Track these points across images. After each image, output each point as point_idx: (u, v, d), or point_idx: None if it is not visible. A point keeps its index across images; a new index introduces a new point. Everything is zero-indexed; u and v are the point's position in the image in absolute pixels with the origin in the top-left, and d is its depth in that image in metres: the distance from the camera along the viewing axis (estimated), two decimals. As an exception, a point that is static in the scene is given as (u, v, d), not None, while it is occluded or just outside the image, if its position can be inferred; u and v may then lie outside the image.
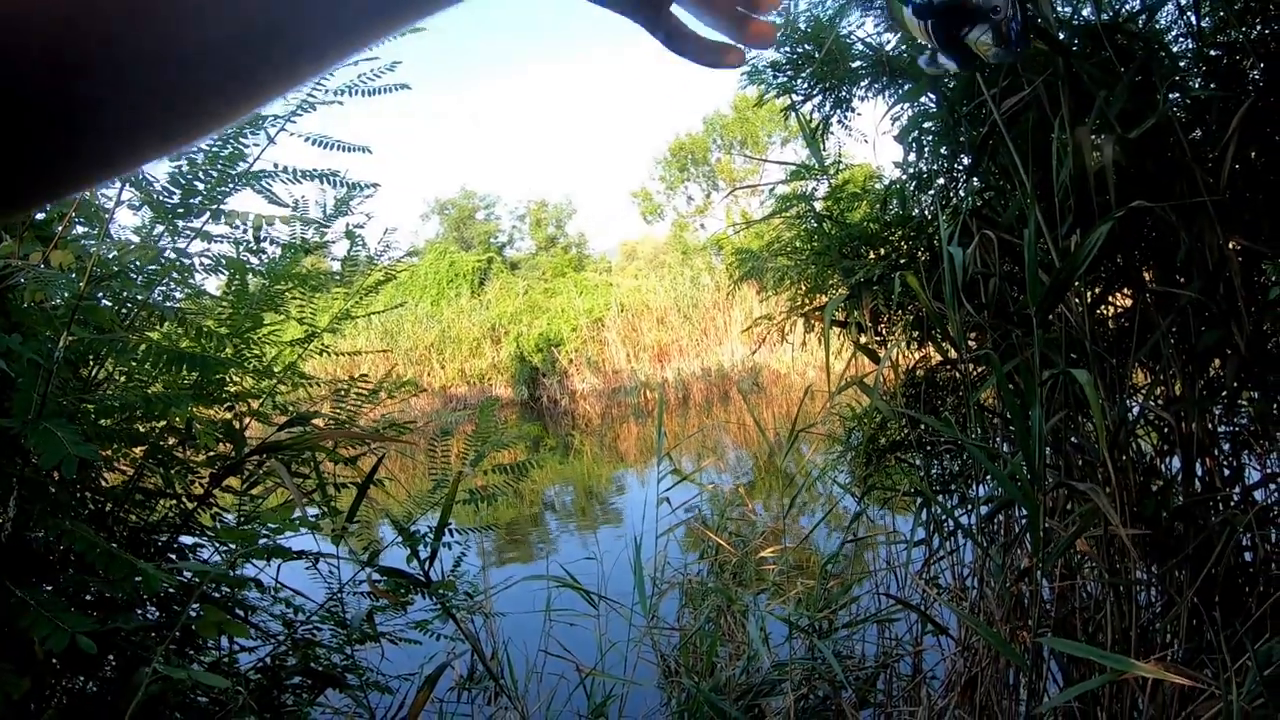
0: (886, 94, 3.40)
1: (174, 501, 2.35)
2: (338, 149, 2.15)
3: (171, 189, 1.98)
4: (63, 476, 1.41)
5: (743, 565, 4.16)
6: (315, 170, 2.07)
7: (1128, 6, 2.74)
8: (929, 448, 3.43)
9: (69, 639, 1.34)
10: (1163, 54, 2.49)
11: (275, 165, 2.06)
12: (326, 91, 1.99)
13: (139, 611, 2.06)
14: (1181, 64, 2.60)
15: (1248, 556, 2.53)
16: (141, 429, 2.21)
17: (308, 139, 2.08)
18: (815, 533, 5.09)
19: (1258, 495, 2.57)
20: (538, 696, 3.19)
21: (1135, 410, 2.66)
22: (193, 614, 1.71)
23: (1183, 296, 2.33)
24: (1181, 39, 2.79)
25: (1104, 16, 2.52)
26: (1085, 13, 2.68)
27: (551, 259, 28.38)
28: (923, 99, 3.18)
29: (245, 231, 2.15)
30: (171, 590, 1.87)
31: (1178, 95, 2.55)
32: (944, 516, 3.24)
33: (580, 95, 77.91)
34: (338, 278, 2.63)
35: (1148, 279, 2.58)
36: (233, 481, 2.41)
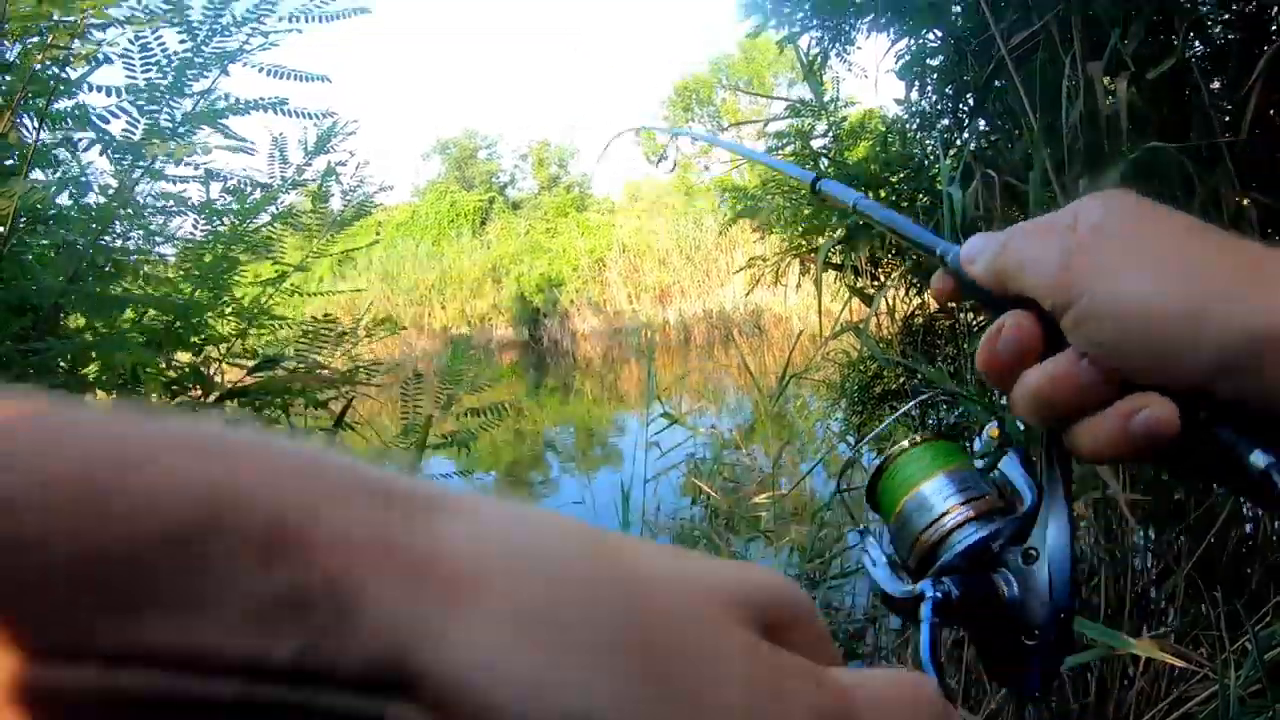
0: (890, 30, 3.27)
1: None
2: (293, 78, 2.04)
3: (131, 128, 1.88)
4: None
5: (734, 511, 4.11)
6: (261, 100, 1.95)
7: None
8: (925, 397, 3.36)
9: None
10: (1186, 3, 2.36)
11: (225, 97, 1.95)
12: (280, 19, 1.87)
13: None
14: (1203, 8, 2.47)
15: (1249, 528, 2.46)
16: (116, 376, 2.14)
17: (261, 69, 1.97)
18: (812, 478, 5.05)
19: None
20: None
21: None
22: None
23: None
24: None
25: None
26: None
27: (554, 199, 28.12)
28: (927, 34, 3.05)
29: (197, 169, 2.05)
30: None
31: (1196, 40, 2.43)
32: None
33: (587, 31, 76.65)
34: (314, 213, 2.54)
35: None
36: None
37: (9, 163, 1.66)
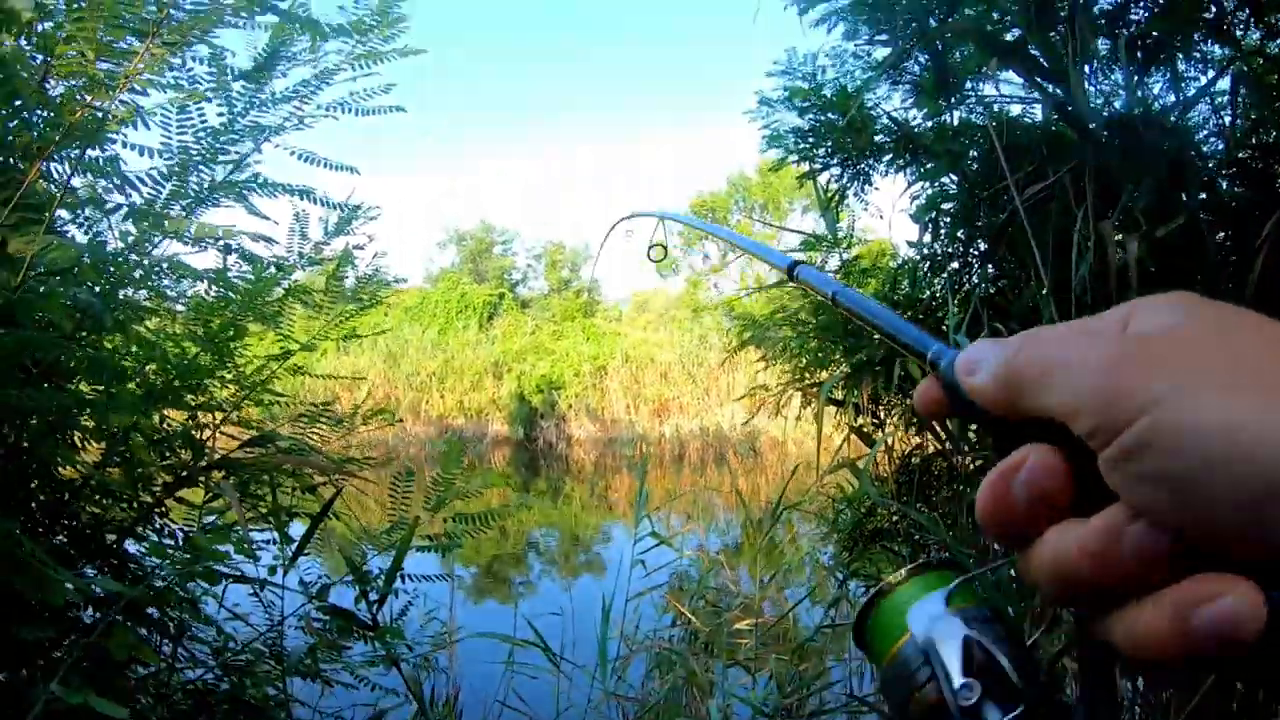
0: (907, 171, 3.34)
1: (126, 504, 2.25)
2: (325, 166, 2.09)
3: (159, 186, 1.92)
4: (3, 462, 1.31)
5: (715, 635, 4.03)
6: (291, 185, 2.00)
7: (1160, 102, 2.69)
8: (917, 538, 3.31)
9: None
10: (1193, 152, 2.42)
11: (256, 176, 1.99)
12: (318, 106, 1.93)
13: (70, 616, 1.95)
14: (1211, 164, 2.53)
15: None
16: (103, 427, 2.13)
17: (293, 153, 2.02)
18: (793, 609, 4.96)
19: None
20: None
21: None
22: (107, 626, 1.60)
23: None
24: (1213, 139, 2.73)
25: (1136, 110, 2.45)
26: (1117, 104, 2.62)
27: (563, 301, 28.38)
28: (943, 179, 3.12)
29: (215, 244, 2.08)
30: (100, 595, 1.76)
31: (1205, 196, 2.48)
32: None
33: (610, 140, 78.73)
34: (327, 294, 2.56)
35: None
36: (195, 494, 2.31)
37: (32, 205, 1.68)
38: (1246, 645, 0.30)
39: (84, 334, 1.82)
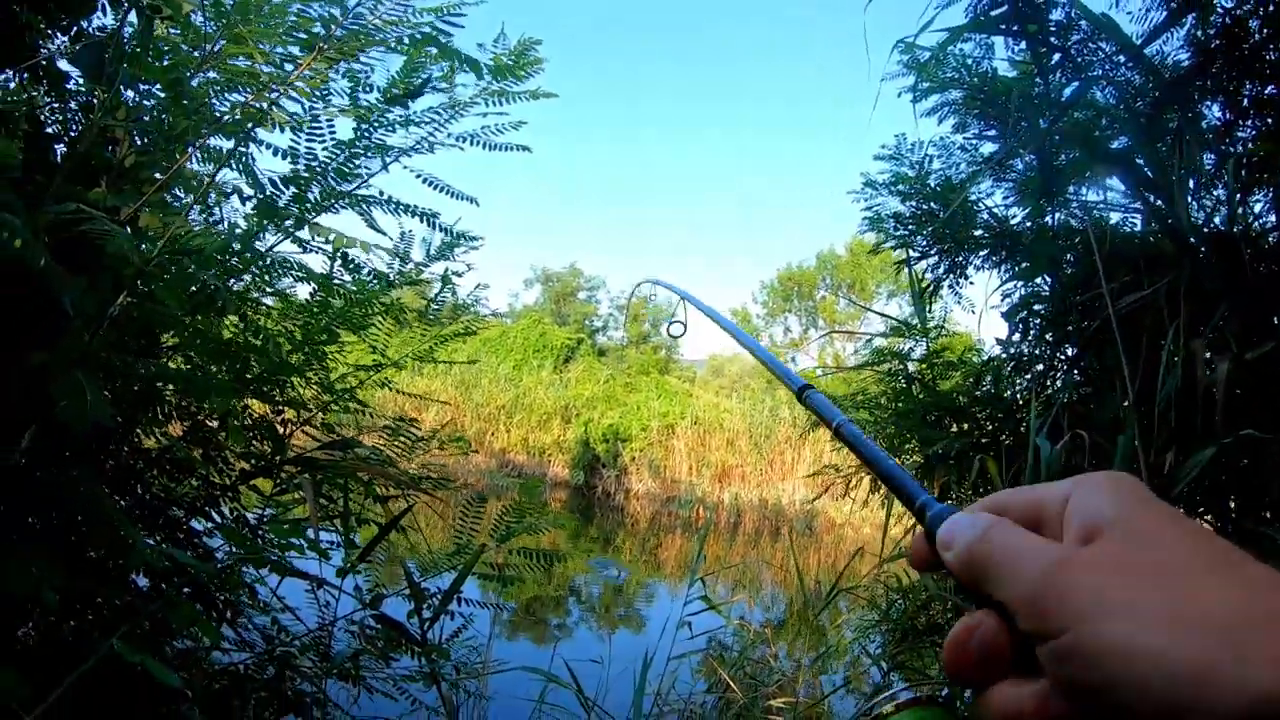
0: (1002, 269, 3.34)
1: (200, 483, 2.33)
2: (447, 193, 2.18)
3: (281, 190, 2.02)
4: (92, 428, 1.39)
5: (749, 709, 3.97)
6: (416, 207, 2.09)
7: (1261, 223, 2.65)
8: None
9: (31, 585, 1.30)
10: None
11: (380, 193, 2.08)
12: (449, 135, 2.02)
13: (132, 583, 2.03)
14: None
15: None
16: (190, 406, 2.22)
17: (419, 176, 2.11)
18: (831, 695, 4.87)
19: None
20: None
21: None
22: (171, 601, 1.66)
23: (1266, 537, 2.17)
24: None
25: (1237, 228, 2.43)
26: (1218, 221, 2.60)
27: (640, 355, 28.53)
28: (1038, 280, 3.11)
29: (329, 245, 2.17)
30: (168, 568, 1.84)
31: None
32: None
33: (707, 201, 79.57)
34: (425, 316, 2.64)
35: (1232, 507, 2.42)
36: (265, 484, 2.39)
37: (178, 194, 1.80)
38: None
39: (196, 315, 1.91)
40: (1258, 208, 2.71)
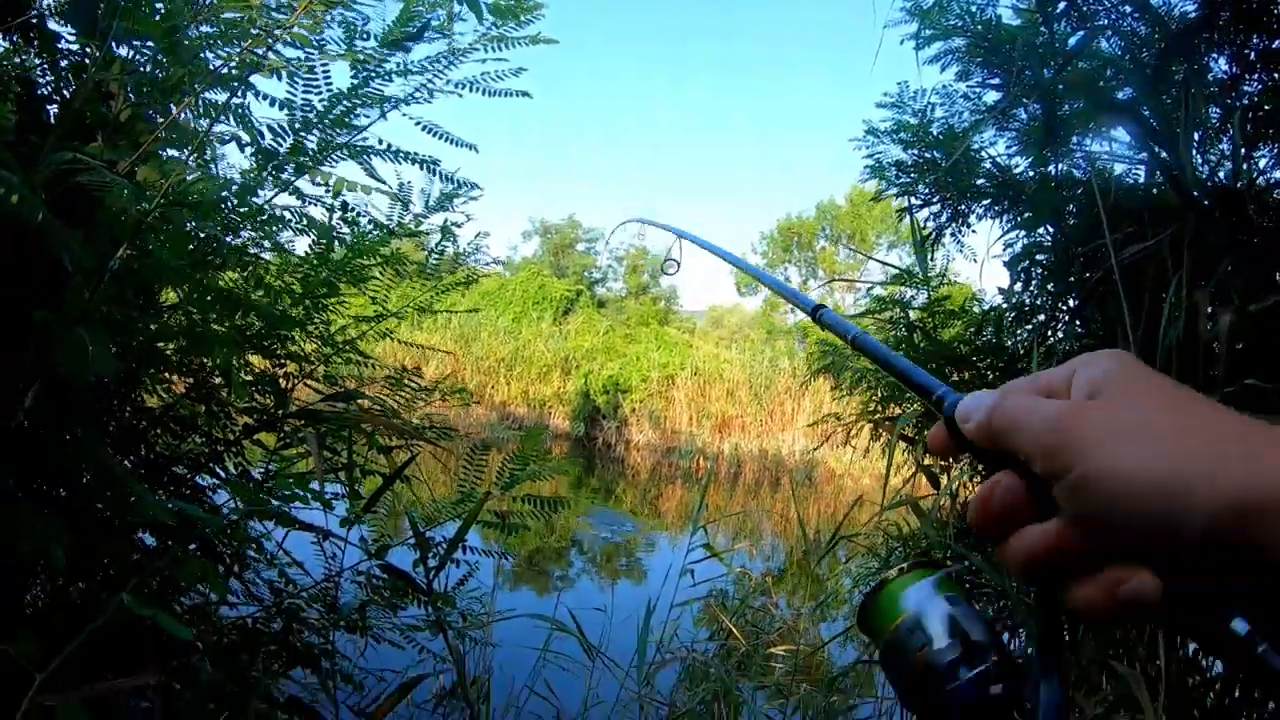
0: (1005, 218, 3.32)
1: (203, 439, 2.35)
2: (446, 140, 2.16)
3: (280, 138, 2.00)
4: (95, 383, 1.39)
5: (750, 656, 4.03)
6: (416, 154, 2.07)
7: (1267, 177, 2.64)
8: (969, 586, 3.28)
9: (39, 543, 1.32)
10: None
11: (380, 141, 2.06)
12: (448, 82, 2.00)
13: (139, 541, 2.05)
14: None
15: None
16: (193, 362, 2.22)
17: (418, 123, 2.09)
18: (831, 641, 4.94)
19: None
20: (511, 733, 3.10)
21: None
22: (179, 555, 1.68)
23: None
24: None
25: (1241, 183, 2.42)
26: (1222, 175, 2.59)
27: (639, 306, 28.51)
28: (1040, 230, 3.09)
29: (329, 194, 2.15)
30: (171, 525, 1.85)
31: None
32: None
33: (708, 152, 78.98)
34: (425, 268, 2.64)
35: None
36: (268, 438, 2.40)
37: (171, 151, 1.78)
38: (1150, 610, 0.45)
39: (196, 271, 1.91)
40: (1263, 163, 2.70)
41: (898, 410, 3.42)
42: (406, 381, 2.49)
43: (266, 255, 2.38)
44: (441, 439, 2.46)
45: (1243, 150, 2.48)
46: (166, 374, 2.23)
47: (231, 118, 2.00)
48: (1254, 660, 0.43)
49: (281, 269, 2.31)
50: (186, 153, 1.78)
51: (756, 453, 18.51)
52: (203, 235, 1.79)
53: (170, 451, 2.33)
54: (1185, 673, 2.48)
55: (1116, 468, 0.45)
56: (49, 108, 1.93)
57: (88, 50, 1.85)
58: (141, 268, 1.60)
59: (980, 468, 3.18)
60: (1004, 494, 0.50)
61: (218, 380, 2.33)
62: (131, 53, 1.92)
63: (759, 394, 19.55)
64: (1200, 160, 2.63)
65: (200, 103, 1.91)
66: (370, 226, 2.38)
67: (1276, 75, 2.64)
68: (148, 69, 1.92)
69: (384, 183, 2.19)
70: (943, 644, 0.55)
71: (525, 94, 2.12)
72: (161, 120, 1.81)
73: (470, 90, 2.07)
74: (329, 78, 2.00)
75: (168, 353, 2.16)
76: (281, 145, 2.00)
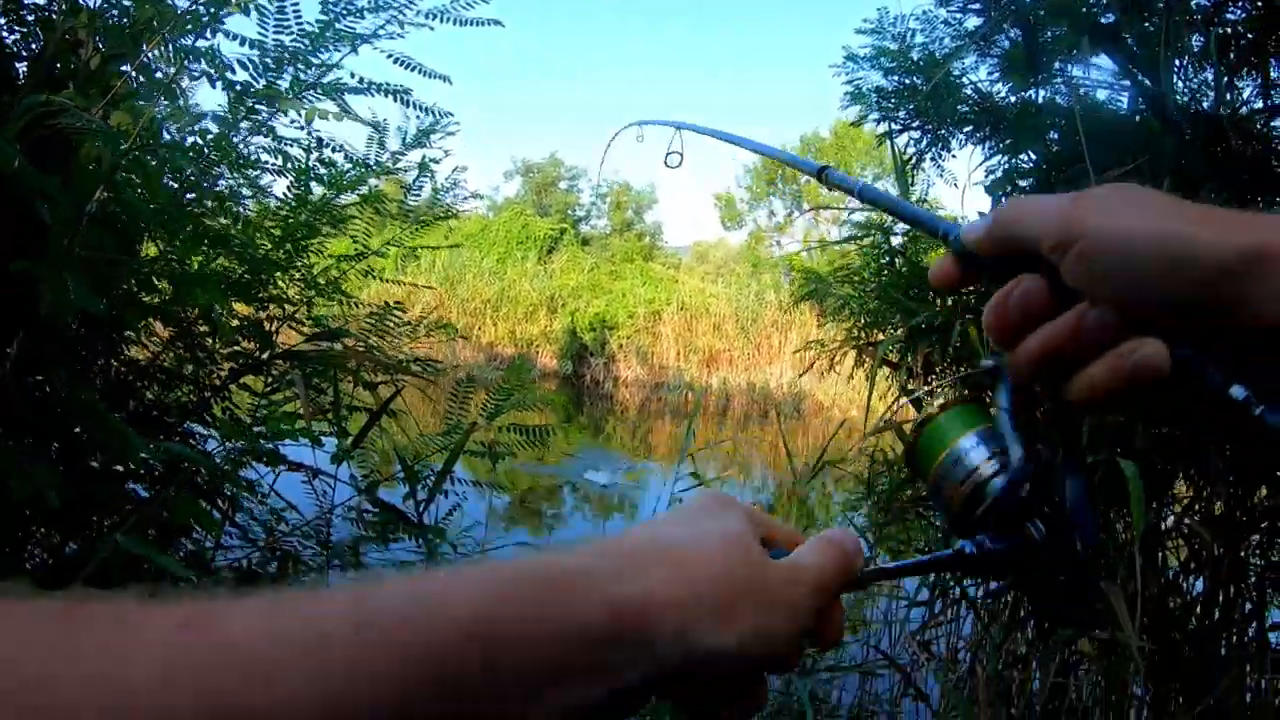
0: (986, 145, 3.31)
1: (191, 387, 2.35)
2: (419, 72, 2.13)
3: (254, 75, 1.98)
4: (80, 331, 1.40)
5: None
6: (389, 85, 2.05)
7: (1249, 106, 2.64)
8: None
9: (33, 490, 1.33)
10: (1275, 163, 2.39)
11: (352, 75, 2.04)
12: (418, 13, 1.97)
13: (130, 487, 2.06)
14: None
15: (1248, 697, 2.42)
16: (178, 312, 2.22)
17: (390, 56, 2.06)
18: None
19: (1273, 637, 2.46)
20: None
21: (1170, 520, 2.56)
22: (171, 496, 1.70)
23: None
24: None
25: (1224, 110, 2.42)
26: (1206, 105, 2.58)
27: (624, 243, 28.35)
28: (1022, 155, 3.09)
29: (306, 133, 2.13)
30: (159, 469, 1.87)
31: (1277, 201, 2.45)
32: (951, 583, 3.16)
33: (687, 90, 78.10)
34: (404, 206, 2.63)
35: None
36: (255, 383, 2.41)
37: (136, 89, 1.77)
38: (1158, 377, 0.48)
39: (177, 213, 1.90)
40: (1246, 93, 2.69)
41: (880, 336, 3.44)
42: (390, 316, 2.49)
43: (247, 203, 2.37)
44: (427, 372, 2.48)
45: (1225, 78, 2.47)
46: (150, 321, 2.23)
47: (203, 60, 1.98)
48: (1254, 421, 0.46)
49: (262, 214, 2.30)
50: (157, 95, 1.76)
51: (744, 386, 18.59)
52: (181, 174, 1.77)
53: (158, 399, 2.34)
54: (1165, 594, 2.55)
55: (1118, 227, 0.48)
56: (17, 65, 1.91)
57: (54, 3, 1.83)
58: (120, 209, 1.60)
59: (965, 394, 3.20)
60: (1020, 295, 0.52)
61: (202, 328, 2.33)
62: (99, 1, 1.89)
63: (746, 328, 19.59)
64: (1183, 88, 2.63)
65: (170, 46, 1.89)
66: (348, 165, 2.36)
67: (1259, 3, 2.62)
68: (115, 16, 1.89)
69: (359, 118, 2.17)
70: (986, 459, 0.58)
71: (497, 22, 2.10)
72: (131, 68, 1.78)
73: (440, 21, 2.04)
74: (299, 14, 1.98)
75: (152, 301, 2.16)
76: (255, 84, 1.98)
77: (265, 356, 2.35)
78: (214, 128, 1.94)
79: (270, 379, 2.40)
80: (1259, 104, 2.61)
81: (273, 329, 2.40)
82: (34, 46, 1.93)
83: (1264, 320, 0.45)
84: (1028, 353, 0.52)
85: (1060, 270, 0.50)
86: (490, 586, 0.41)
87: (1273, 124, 2.56)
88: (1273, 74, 2.53)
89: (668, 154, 1.41)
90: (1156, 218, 0.48)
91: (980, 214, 3.32)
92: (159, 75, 1.89)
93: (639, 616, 0.42)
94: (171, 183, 1.91)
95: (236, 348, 2.39)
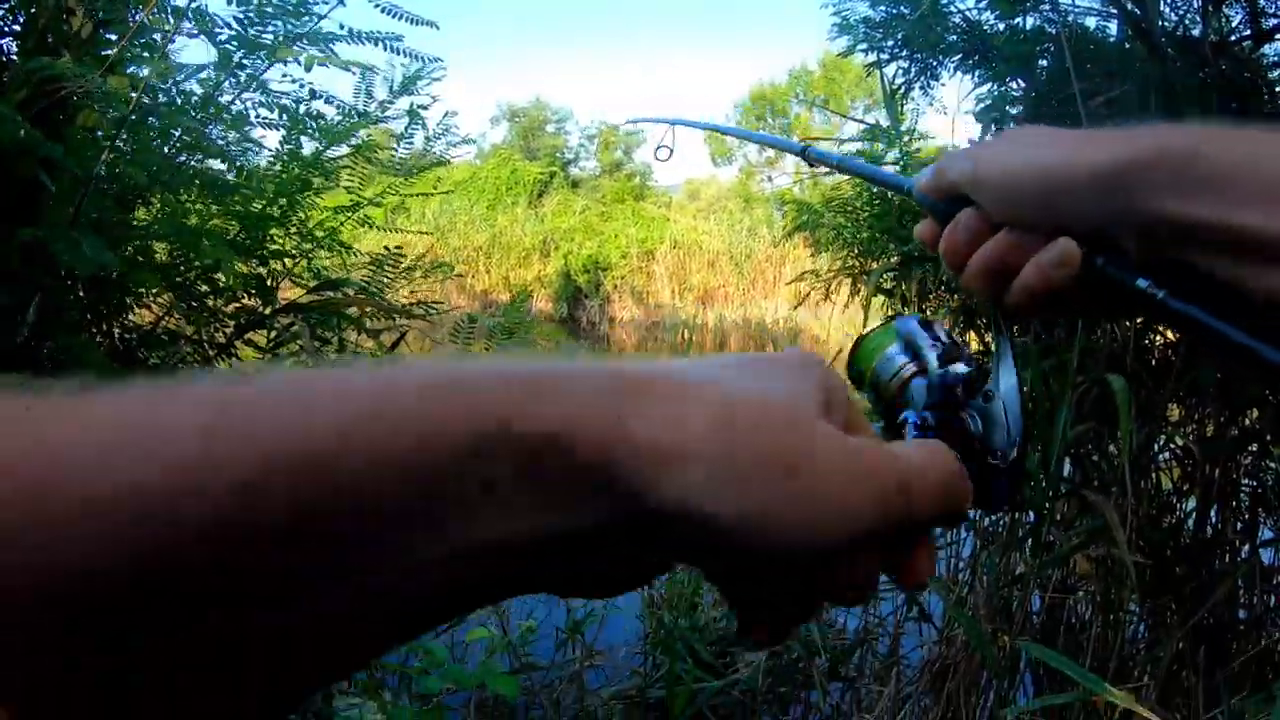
0: (976, 74, 3.31)
1: (195, 348, 2.39)
2: (406, 20, 2.13)
3: (238, 36, 1.98)
4: (89, 295, 1.43)
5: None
6: (377, 33, 2.05)
7: (1237, 34, 2.64)
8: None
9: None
10: (1264, 89, 2.40)
11: (341, 26, 2.04)
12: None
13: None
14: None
15: (1241, 614, 2.50)
16: (179, 274, 2.24)
17: (377, 5, 2.06)
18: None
19: (1264, 555, 2.53)
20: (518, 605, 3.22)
21: (1161, 442, 2.62)
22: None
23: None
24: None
25: (1211, 37, 2.42)
26: (1195, 33, 2.58)
27: (614, 183, 28.13)
28: (1011, 83, 3.10)
29: (298, 85, 2.14)
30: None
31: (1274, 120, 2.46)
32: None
33: (671, 21, 76.92)
34: (396, 157, 2.64)
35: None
36: (259, 339, 2.44)
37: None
38: (1075, 270, 0.55)
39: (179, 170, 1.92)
40: (1235, 22, 2.68)
41: (873, 264, 3.47)
42: (388, 261, 2.52)
43: (242, 159, 2.38)
44: (429, 315, 2.51)
45: (1212, 6, 2.47)
46: (158, 280, 2.25)
47: (191, 16, 1.98)
48: (1159, 305, 0.53)
49: (256, 171, 2.32)
50: (152, 56, 1.77)
51: (741, 321, 18.64)
52: (176, 135, 1.79)
53: (163, 361, 2.37)
54: (1160, 515, 2.62)
55: (1009, 157, 0.59)
56: (4, 41, 1.92)
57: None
58: (125, 171, 1.62)
59: (960, 321, 3.25)
60: (961, 226, 0.62)
61: (203, 288, 2.35)
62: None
63: (739, 263, 19.57)
64: (1172, 16, 2.63)
65: (164, 9, 1.89)
66: (338, 116, 2.37)
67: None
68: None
69: (348, 68, 2.17)
70: (905, 362, 0.63)
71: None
72: (121, 35, 1.79)
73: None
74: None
75: (160, 260, 2.18)
76: (244, 36, 1.98)
77: (268, 311, 2.37)
78: (201, 88, 1.95)
79: (274, 334, 2.43)
80: (1247, 32, 2.61)
81: (274, 284, 2.43)
82: (20, 18, 1.93)
83: (1151, 218, 0.52)
84: (971, 271, 0.62)
85: (973, 200, 0.61)
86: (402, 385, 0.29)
87: (1261, 51, 2.57)
88: (1260, 1, 2.53)
89: (657, 148, 1.44)
90: (1034, 149, 0.58)
91: (970, 141, 3.33)
92: (154, 38, 1.89)
93: (594, 446, 0.30)
94: (171, 144, 1.92)
95: (239, 304, 2.41)
